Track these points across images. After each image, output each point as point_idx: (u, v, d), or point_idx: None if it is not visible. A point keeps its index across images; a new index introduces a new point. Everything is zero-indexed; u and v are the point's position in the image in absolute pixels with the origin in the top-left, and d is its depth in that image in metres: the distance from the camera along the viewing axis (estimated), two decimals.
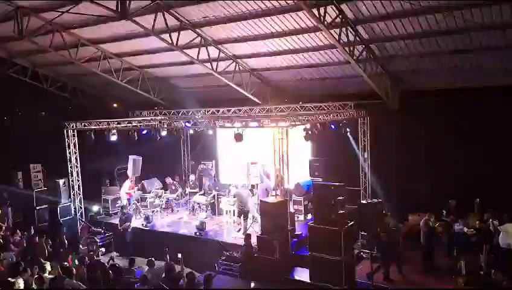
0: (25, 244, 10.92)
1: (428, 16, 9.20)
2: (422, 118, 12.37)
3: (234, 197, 12.64)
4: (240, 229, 12.01)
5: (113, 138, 12.99)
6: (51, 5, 10.75)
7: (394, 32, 10.16)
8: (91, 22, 11.42)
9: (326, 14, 9.10)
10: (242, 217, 11.95)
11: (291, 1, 9.40)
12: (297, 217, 12.42)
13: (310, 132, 10.99)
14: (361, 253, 10.96)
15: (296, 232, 11.10)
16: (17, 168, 15.32)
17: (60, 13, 10.56)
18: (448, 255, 10.67)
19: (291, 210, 11.87)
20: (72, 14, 10.41)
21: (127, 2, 9.59)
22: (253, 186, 12.88)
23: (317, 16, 8.94)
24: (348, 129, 12.36)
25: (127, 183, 14.65)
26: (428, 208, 10.91)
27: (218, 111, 14.85)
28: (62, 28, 12.04)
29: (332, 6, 9.14)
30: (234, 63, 13.13)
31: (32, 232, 11.90)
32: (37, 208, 14.02)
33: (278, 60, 12.72)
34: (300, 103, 13.75)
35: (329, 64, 12.40)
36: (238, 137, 10.88)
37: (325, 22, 9.18)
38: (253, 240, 10.28)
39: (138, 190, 14.83)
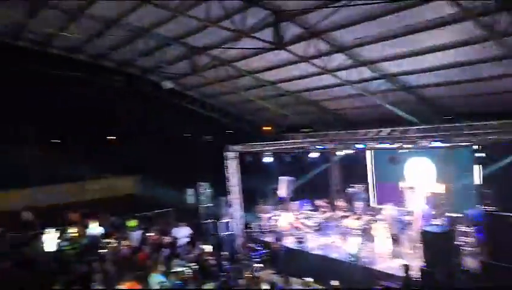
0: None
1: None
2: None
3: (387, 221, 12.04)
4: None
5: (267, 159, 13.80)
6: (218, 43, 12.12)
7: None
8: (250, 54, 12.49)
9: (498, 22, 8.11)
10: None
11: (455, 11, 8.65)
12: (465, 250, 11.05)
13: (479, 154, 9.77)
14: None
15: (464, 267, 9.88)
16: (188, 185, 17.41)
17: (224, 49, 11.89)
18: None
19: (458, 242, 10.63)
20: (235, 49, 11.59)
21: (282, 33, 10.23)
22: (408, 212, 12.04)
23: (486, 24, 8.05)
24: None
25: (290, 217, 14.98)
26: None
27: (369, 132, 14.45)
28: (226, 62, 13.46)
29: (506, 13, 8.12)
30: (388, 81, 12.65)
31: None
32: (203, 222, 15.63)
33: (439, 75, 11.77)
34: (467, 121, 12.33)
35: (501, 77, 10.92)
36: (393, 159, 10.38)
37: (496, 31, 8.19)
38: (412, 272, 9.54)
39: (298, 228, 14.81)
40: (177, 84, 16.39)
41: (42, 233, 13.74)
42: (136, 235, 13.75)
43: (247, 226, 15.71)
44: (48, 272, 10.84)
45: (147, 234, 13.75)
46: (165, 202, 17.90)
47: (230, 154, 15.15)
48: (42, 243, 13.39)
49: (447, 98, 13.06)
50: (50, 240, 13.45)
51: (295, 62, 12.40)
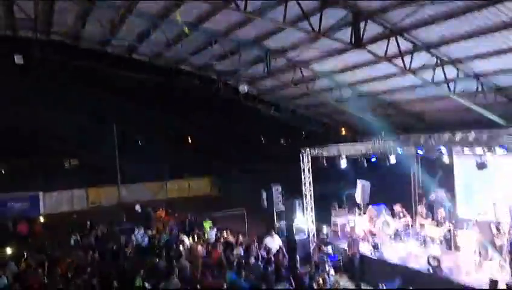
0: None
1: None
2: None
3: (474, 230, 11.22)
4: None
5: (343, 163, 13.55)
6: (296, 45, 12.16)
7: None
8: (326, 54, 12.38)
9: None
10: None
11: None
12: None
13: None
14: None
15: None
16: (262, 187, 17.71)
17: (300, 51, 11.92)
18: None
19: None
20: (311, 50, 11.56)
21: (361, 32, 10.00)
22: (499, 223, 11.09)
23: None
24: None
25: (366, 222, 14.66)
26: None
27: (454, 135, 13.51)
28: (301, 64, 13.47)
29: None
30: (476, 81, 11.78)
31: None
32: (277, 224, 15.76)
33: None
34: None
35: None
36: (481, 165, 9.63)
37: None
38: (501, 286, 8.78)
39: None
40: (252, 87, 16.74)
41: (131, 228, 14.84)
42: (212, 234, 14.28)
43: (321, 230, 15.54)
44: (130, 266, 11.65)
45: (223, 234, 14.22)
46: (239, 203, 18.38)
47: (305, 158, 15.12)
48: (130, 237, 14.45)
49: None
50: (137, 235, 14.48)
51: (373, 62, 12.05)
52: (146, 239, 14.61)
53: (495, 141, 11.02)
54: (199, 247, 12.77)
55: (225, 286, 9.46)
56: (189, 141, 30.04)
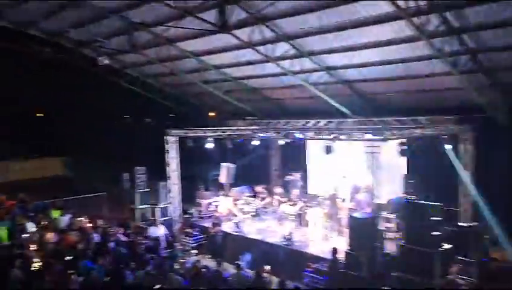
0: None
1: None
2: None
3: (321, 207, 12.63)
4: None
5: (209, 145, 13.73)
6: (159, 20, 11.77)
7: (506, 42, 9.28)
8: (193, 35, 12.27)
9: (428, 23, 8.67)
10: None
11: (390, 10, 9.11)
12: (387, 235, 11.84)
13: (405, 147, 10.46)
14: (457, 279, 10.09)
15: (386, 251, 10.58)
16: (124, 169, 16.89)
17: (166, 27, 11.55)
18: None
19: (381, 227, 11.36)
20: (178, 28, 11.30)
21: (227, 16, 10.15)
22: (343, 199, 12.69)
23: (418, 24, 8.56)
24: (448, 145, 11.50)
25: (229, 203, 15.14)
26: None
27: (308, 122, 14.87)
28: (168, 41, 13.10)
29: (435, 14, 8.68)
30: (327, 74, 13.07)
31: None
32: (139, 207, 15.25)
33: (374, 71, 12.37)
34: (396, 116, 13.18)
35: (429, 76, 11.72)
36: (328, 149, 10.78)
37: (427, 31, 8.74)
38: (340, 255, 10.06)
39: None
40: (114, 61, 15.70)
41: None
42: (64, 220, 13.12)
43: (186, 212, 15.59)
44: None
45: (77, 219, 13.17)
46: (99, 186, 17.26)
47: (170, 139, 14.85)
48: None
49: (382, 93, 13.79)
50: None
51: (240, 47, 12.39)
52: None
53: (341, 129, 12.51)
54: (48, 234, 11.62)
55: (77, 275, 8.82)
56: (39, 116, 26.49)
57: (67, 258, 9.87)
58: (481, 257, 9.56)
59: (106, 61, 12.92)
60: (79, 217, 13.18)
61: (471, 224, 10.24)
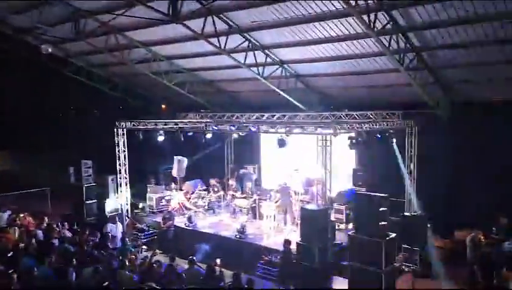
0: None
1: (485, 24, 8.81)
2: (474, 130, 11.83)
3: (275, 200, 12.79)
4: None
5: (160, 138, 13.43)
6: (107, 8, 11.29)
7: (448, 40, 9.81)
8: (144, 24, 11.89)
9: (377, 21, 8.96)
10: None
11: (341, 7, 9.32)
12: (338, 226, 12.23)
13: (354, 141, 10.82)
14: (403, 266, 10.64)
15: (336, 241, 10.93)
16: (69, 163, 16.10)
17: (115, 16, 11.10)
18: (495, 275, 10.10)
19: (333, 218, 11.71)
20: (127, 17, 10.89)
21: (179, 6, 9.91)
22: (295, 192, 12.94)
23: (367, 22, 8.82)
24: (394, 139, 12.02)
25: (182, 197, 14.91)
26: (477, 225, 10.44)
27: (262, 116, 14.94)
28: (117, 30, 12.61)
29: (383, 12, 8.98)
30: (281, 68, 13.17)
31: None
32: (86, 202, 14.66)
33: (325, 66, 12.63)
34: (346, 110, 13.56)
35: (378, 72, 12.15)
36: (281, 143, 10.90)
37: (375, 29, 9.03)
38: (293, 246, 10.24)
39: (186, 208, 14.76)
40: (59, 49, 14.90)
41: None
42: (3, 217, 12.34)
43: (136, 206, 15.19)
44: None
45: (19, 215, 12.44)
46: (43, 181, 16.37)
47: (120, 131, 14.36)
48: None
49: (333, 88, 14.12)
50: None
51: (192, 39, 12.16)
52: None
53: (294, 123, 12.68)
54: None
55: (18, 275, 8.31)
56: None
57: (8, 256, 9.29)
58: (424, 245, 10.10)
59: (50, 50, 12.16)
60: (19, 213, 12.47)
61: (415, 214, 10.79)
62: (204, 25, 10.75)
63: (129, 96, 18.83)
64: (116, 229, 12.25)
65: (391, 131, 11.87)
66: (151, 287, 7.33)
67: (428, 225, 10.11)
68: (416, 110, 12.33)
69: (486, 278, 9.15)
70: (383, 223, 8.65)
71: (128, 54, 13.67)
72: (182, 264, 10.15)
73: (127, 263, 8.92)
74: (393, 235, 8.90)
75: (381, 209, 8.66)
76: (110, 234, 11.64)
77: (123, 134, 14.37)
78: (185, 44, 12.96)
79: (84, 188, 14.53)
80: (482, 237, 10.23)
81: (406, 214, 10.93)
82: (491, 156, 11.51)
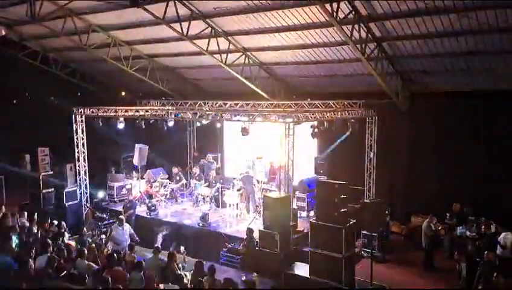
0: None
1: (443, 16, 9.08)
2: (432, 120, 12.28)
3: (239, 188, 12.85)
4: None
5: (121, 125, 13.05)
6: None
7: (407, 31, 10.05)
8: (103, 8, 11.44)
9: (339, 10, 9.03)
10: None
11: None
12: (300, 214, 12.41)
13: (316, 129, 10.94)
14: (362, 252, 10.98)
15: (298, 228, 11.08)
16: (25, 150, 15.44)
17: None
18: (449, 258, 10.62)
19: (295, 206, 11.85)
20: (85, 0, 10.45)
21: None
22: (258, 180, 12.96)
23: (330, 11, 8.87)
24: (354, 128, 12.20)
25: (143, 185, 14.65)
26: (433, 211, 10.87)
27: (225, 104, 14.81)
28: (74, 13, 12.07)
29: (346, 2, 9.06)
30: (244, 55, 13.07)
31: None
32: (44, 191, 14.11)
33: (288, 54, 12.65)
34: (309, 99, 13.67)
35: (340, 62, 12.30)
36: (245, 131, 10.86)
37: (338, 18, 9.10)
38: (256, 234, 10.30)
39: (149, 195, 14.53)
40: (13, 32, 14.12)
41: None
42: None
43: (96, 195, 14.76)
44: None
45: None
46: None
47: (78, 118, 13.84)
48: None
49: (296, 76, 14.18)
50: None
51: (153, 24, 11.82)
52: None
53: (257, 111, 12.66)
54: None
55: None
56: None
57: None
58: (382, 231, 10.48)
59: (3, 32, 11.48)
60: None
61: (374, 200, 11.10)
62: (166, 10, 10.46)
63: (88, 83, 18.16)
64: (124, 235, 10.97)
65: (352, 120, 12.07)
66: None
67: (387, 212, 10.45)
68: (376, 100, 12.58)
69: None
70: (343, 210, 8.82)
71: (87, 39, 13.12)
72: (144, 253, 10.01)
73: (86, 253, 8.66)
74: (353, 221, 9.12)
75: (341, 196, 8.82)
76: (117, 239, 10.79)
77: (81, 121, 13.88)
78: (146, 29, 12.58)
79: (41, 176, 13.94)
80: (437, 222, 10.69)
81: (365, 201, 11.21)
82: (448, 146, 11.98)
